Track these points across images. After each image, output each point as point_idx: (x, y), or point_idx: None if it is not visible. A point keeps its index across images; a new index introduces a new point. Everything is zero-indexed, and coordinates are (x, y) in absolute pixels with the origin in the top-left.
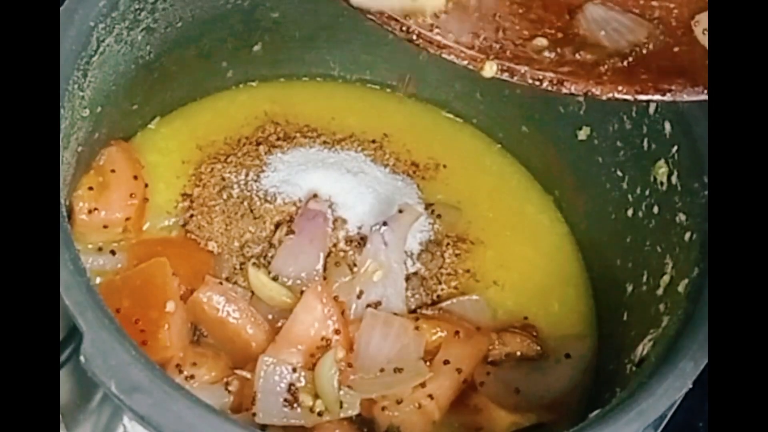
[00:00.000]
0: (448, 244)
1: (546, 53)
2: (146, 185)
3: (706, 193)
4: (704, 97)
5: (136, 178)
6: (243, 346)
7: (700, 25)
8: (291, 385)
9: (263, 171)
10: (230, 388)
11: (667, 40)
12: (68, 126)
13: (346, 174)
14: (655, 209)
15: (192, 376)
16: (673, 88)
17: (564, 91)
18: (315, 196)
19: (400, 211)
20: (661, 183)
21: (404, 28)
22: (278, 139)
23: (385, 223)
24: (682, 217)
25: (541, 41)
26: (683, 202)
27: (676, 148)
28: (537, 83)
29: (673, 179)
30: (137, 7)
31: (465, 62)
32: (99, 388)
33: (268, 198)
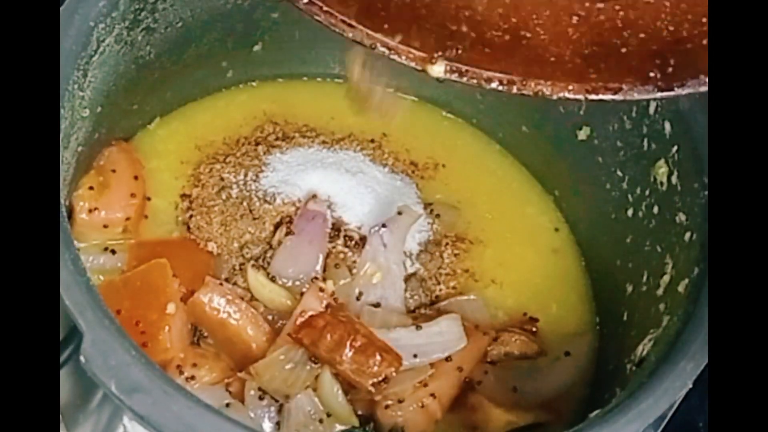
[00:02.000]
0: (447, 244)
1: None
2: (148, 199)
3: (706, 193)
4: (656, 95)
5: (136, 178)
6: (243, 347)
7: None
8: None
9: (262, 171)
10: (231, 389)
11: (614, 41)
12: (68, 126)
13: (345, 174)
14: (655, 209)
15: (192, 377)
16: (623, 87)
17: (514, 91)
18: (314, 196)
19: (399, 213)
20: (661, 183)
21: (353, 31)
22: (277, 139)
23: (384, 225)
24: (682, 217)
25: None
26: (683, 202)
27: (676, 148)
28: (486, 83)
29: (673, 179)
30: (137, 7)
31: (413, 63)
32: (99, 388)
33: (268, 198)
